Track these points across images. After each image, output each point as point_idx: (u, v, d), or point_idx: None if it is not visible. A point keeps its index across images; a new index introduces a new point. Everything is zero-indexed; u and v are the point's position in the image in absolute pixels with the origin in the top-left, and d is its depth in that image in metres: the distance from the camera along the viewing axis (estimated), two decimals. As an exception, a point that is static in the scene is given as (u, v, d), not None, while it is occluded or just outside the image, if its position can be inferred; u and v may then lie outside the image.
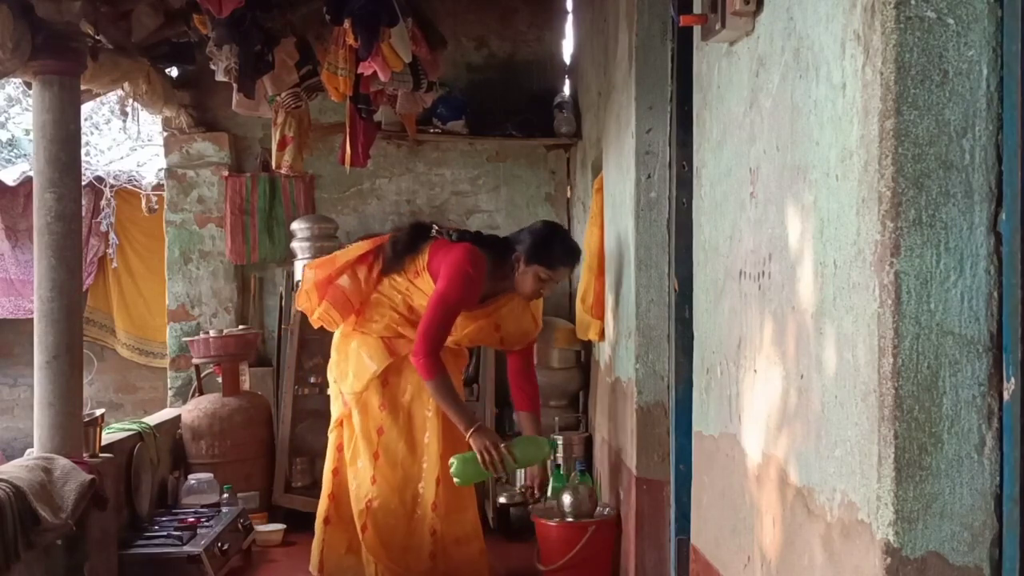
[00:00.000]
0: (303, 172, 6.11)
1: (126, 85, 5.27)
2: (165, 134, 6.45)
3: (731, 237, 2.30)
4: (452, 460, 3.81)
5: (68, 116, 4.03)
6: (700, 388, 2.66)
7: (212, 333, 5.86)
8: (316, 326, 4.32)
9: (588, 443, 5.36)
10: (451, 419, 3.87)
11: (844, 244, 1.59)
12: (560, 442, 5.32)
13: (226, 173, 6.34)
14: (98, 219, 7.39)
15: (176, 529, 4.65)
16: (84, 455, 4.02)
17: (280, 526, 5.43)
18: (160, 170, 6.73)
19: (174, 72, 6.15)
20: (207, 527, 4.71)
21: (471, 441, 3.77)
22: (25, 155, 7.96)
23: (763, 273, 2.04)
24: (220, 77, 4.81)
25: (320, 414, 5.92)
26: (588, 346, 5.60)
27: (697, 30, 2.62)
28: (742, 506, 2.19)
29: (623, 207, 4.01)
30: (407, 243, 4.07)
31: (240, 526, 5.01)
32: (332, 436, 4.16)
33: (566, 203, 6.51)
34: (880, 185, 1.44)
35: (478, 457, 3.76)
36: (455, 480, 3.83)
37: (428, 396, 3.94)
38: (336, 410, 4.16)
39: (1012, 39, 1.38)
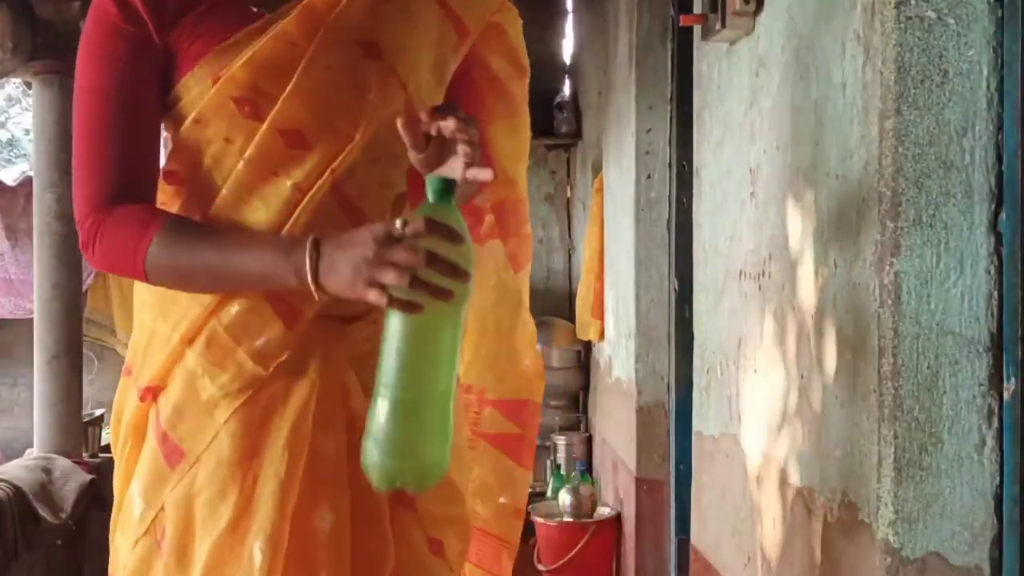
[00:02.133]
0: (303, 172, 6.10)
1: (126, 85, 5.26)
2: (165, 134, 6.45)
3: (731, 237, 2.30)
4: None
5: (68, 116, 4.03)
6: (700, 388, 2.65)
7: (212, 333, 5.86)
8: None
9: (588, 443, 5.36)
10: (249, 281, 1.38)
11: (844, 244, 1.59)
12: (561, 442, 5.33)
13: (226, 173, 6.34)
14: (98, 219, 7.38)
15: (176, 529, 4.65)
16: (84, 455, 4.02)
17: (280, 526, 5.43)
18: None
19: (174, 72, 6.15)
20: (207, 527, 4.71)
21: (331, 280, 1.26)
22: (25, 155, 7.95)
23: (763, 273, 2.03)
24: (220, 77, 4.81)
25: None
26: (588, 346, 5.60)
27: (697, 30, 2.62)
28: (742, 506, 2.19)
29: (623, 207, 4.01)
30: None
31: (240, 526, 5.01)
32: None
33: (566, 203, 6.51)
34: (880, 185, 1.44)
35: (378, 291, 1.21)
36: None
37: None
38: None
39: (1012, 39, 1.38)
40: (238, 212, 1.41)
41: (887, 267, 1.43)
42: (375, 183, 1.45)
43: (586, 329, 5.08)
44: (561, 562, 4.22)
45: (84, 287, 7.06)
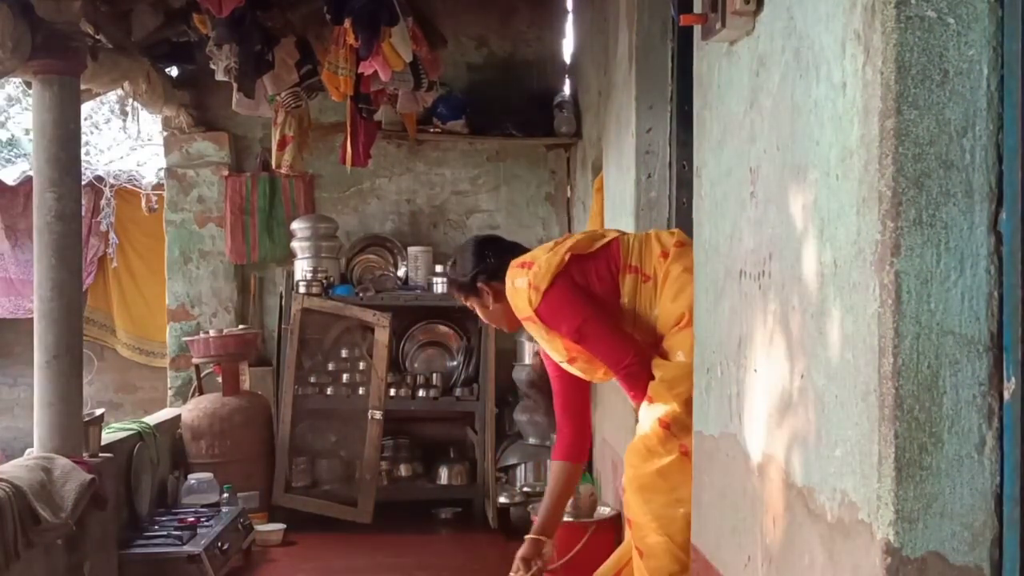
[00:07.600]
0: (303, 172, 6.11)
1: (126, 85, 5.27)
2: (165, 134, 6.45)
3: (731, 237, 2.30)
4: None
5: (68, 116, 4.03)
6: (700, 388, 2.65)
7: (212, 333, 5.86)
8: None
9: (588, 443, 5.35)
10: None
11: (844, 244, 1.59)
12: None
13: (226, 173, 6.35)
14: (98, 219, 7.39)
15: (176, 529, 4.65)
16: (84, 455, 4.02)
17: (280, 526, 5.43)
18: (160, 170, 6.73)
19: (174, 72, 6.15)
20: (207, 527, 4.71)
21: None
22: (25, 155, 7.95)
23: (763, 273, 2.03)
24: (220, 77, 4.81)
25: (320, 414, 5.93)
26: (588, 346, 5.59)
27: (697, 30, 2.62)
28: (742, 506, 2.19)
29: (623, 207, 4.01)
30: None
31: (240, 526, 5.01)
32: None
33: (566, 203, 6.51)
34: (880, 185, 1.44)
35: None
36: None
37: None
38: None
39: (1012, 39, 1.38)
40: None
41: (887, 267, 1.43)
42: None
43: (586, 329, 5.07)
44: (561, 562, 4.22)
45: (84, 287, 7.07)
